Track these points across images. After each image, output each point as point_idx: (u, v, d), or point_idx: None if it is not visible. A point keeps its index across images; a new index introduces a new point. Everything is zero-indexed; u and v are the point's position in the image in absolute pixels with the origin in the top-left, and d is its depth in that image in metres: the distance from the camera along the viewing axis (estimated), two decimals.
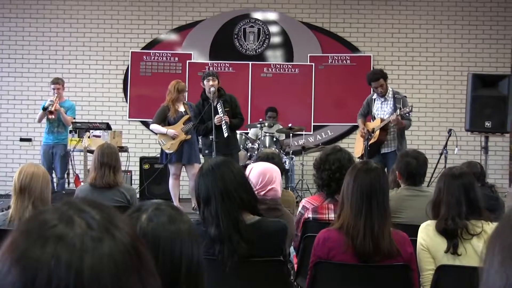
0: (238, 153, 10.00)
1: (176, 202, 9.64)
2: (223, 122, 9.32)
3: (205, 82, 9.53)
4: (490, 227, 3.85)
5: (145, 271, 1.11)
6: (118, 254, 1.06)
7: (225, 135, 9.28)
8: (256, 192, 3.93)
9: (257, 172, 4.19)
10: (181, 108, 9.82)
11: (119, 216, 1.15)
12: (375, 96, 9.55)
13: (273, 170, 4.67)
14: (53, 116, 10.40)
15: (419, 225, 4.12)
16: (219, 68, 12.41)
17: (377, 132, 9.29)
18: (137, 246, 1.12)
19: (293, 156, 11.55)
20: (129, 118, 12.99)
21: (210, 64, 12.85)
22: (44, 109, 10.40)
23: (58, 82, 10.64)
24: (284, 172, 8.52)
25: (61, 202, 1.14)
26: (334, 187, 4.81)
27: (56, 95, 10.48)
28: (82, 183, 9.18)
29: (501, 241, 1.20)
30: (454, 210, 3.88)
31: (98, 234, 1.07)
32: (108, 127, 10.99)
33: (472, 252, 3.83)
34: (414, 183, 5.29)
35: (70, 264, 1.01)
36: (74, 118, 10.81)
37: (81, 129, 10.65)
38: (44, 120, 10.66)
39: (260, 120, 11.46)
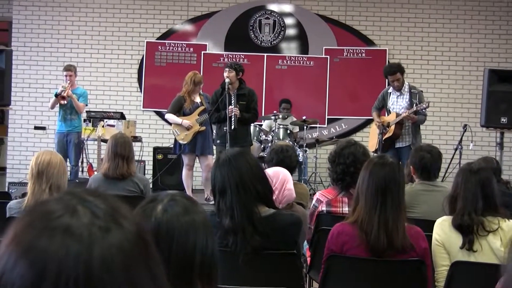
0: (250, 147, 9.96)
1: (189, 193, 9.64)
2: (232, 114, 9.33)
3: (224, 72, 9.59)
4: (506, 224, 3.83)
5: (152, 260, 1.11)
6: (127, 244, 1.05)
7: (232, 127, 9.29)
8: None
9: (269, 174, 4.16)
10: (197, 99, 9.82)
11: (123, 205, 1.14)
12: (390, 89, 9.53)
13: (284, 171, 4.72)
14: (65, 102, 10.42)
15: (434, 220, 4.12)
16: (234, 60, 12.36)
17: (392, 127, 9.28)
18: (143, 235, 1.11)
19: (306, 148, 11.54)
20: (143, 108, 12.99)
21: (225, 56, 12.85)
22: (56, 95, 10.42)
23: (70, 69, 10.63)
24: (298, 164, 8.51)
25: (63, 192, 1.13)
26: (349, 180, 4.80)
27: (68, 81, 10.49)
28: (95, 172, 9.20)
29: None
30: (470, 205, 3.86)
31: (104, 223, 1.05)
32: (122, 116, 11.03)
33: (488, 249, 3.81)
34: (429, 177, 5.26)
35: (79, 255, 0.99)
36: (87, 105, 10.86)
37: (95, 118, 10.70)
38: (57, 108, 10.69)
39: (274, 112, 11.46)
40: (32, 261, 0.99)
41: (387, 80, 9.75)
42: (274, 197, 4.01)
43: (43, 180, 4.34)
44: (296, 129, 11.88)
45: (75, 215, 1.05)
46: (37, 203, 1.11)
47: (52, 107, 10.73)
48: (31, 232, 1.03)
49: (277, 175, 4.53)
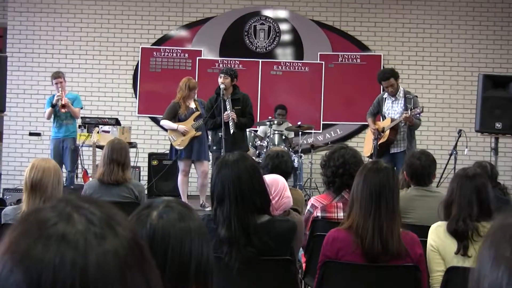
0: (246, 153, 9.94)
1: (184, 199, 9.62)
2: (230, 118, 9.31)
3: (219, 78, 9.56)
4: None
5: (147, 266, 1.10)
6: (122, 250, 1.05)
7: (231, 131, 9.27)
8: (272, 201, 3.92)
9: (267, 182, 4.14)
10: (192, 105, 9.81)
11: (118, 211, 1.13)
12: (386, 95, 9.50)
13: (282, 179, 4.69)
14: (65, 110, 10.37)
15: (428, 226, 4.11)
16: (228, 65, 12.35)
17: (387, 132, 9.25)
18: (138, 241, 1.11)
19: (301, 154, 11.55)
20: (138, 114, 12.98)
21: (220, 61, 12.85)
22: (53, 105, 10.37)
23: (59, 76, 10.56)
24: (293, 170, 8.50)
25: (56, 200, 1.13)
26: (338, 183, 4.84)
27: (60, 89, 10.44)
28: (90, 179, 9.18)
29: (491, 240, 1.25)
30: (465, 211, 3.86)
31: (100, 230, 1.05)
32: (117, 122, 11.00)
33: None
34: (420, 183, 5.27)
35: (74, 263, 0.99)
36: (82, 108, 10.84)
37: (90, 124, 10.65)
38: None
39: (269, 117, 11.46)
40: (28, 269, 0.99)
41: (381, 85, 9.74)
42: (278, 200, 4.02)
43: (36, 194, 4.28)
44: (291, 134, 11.88)
45: (71, 223, 1.04)
46: (32, 211, 1.10)
47: (49, 117, 10.63)
48: (26, 240, 1.02)
49: (276, 182, 4.51)
